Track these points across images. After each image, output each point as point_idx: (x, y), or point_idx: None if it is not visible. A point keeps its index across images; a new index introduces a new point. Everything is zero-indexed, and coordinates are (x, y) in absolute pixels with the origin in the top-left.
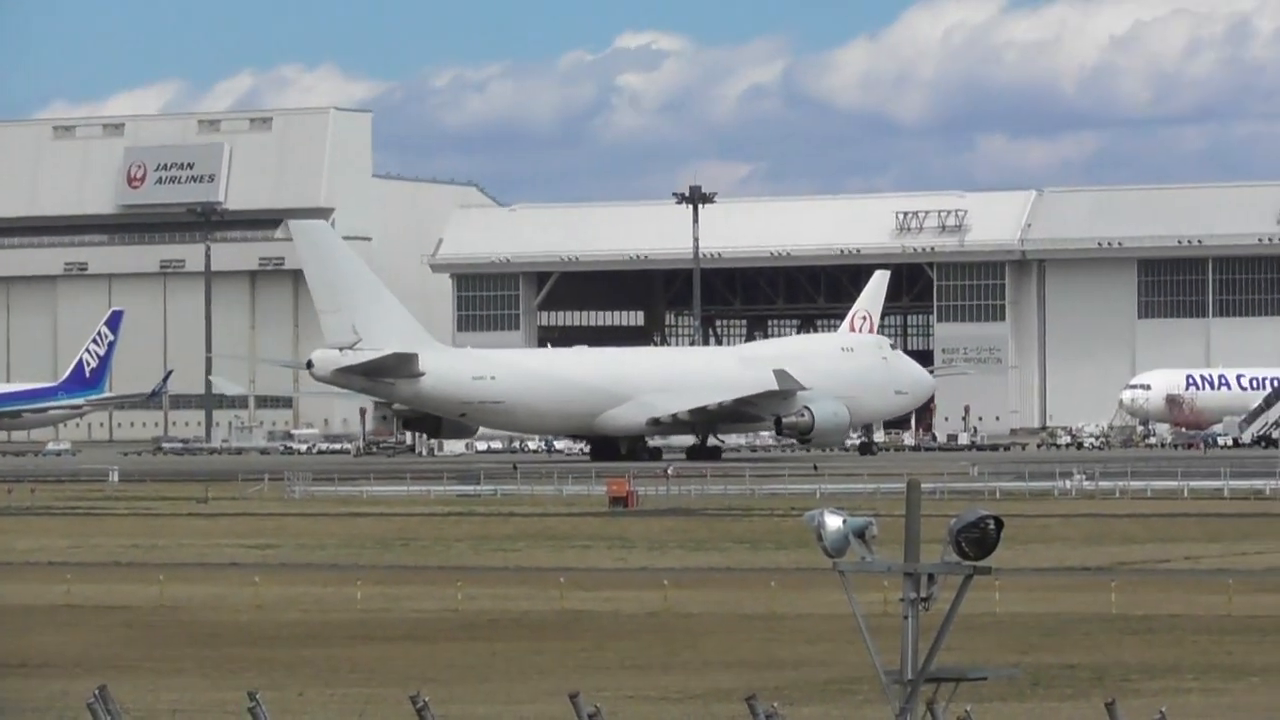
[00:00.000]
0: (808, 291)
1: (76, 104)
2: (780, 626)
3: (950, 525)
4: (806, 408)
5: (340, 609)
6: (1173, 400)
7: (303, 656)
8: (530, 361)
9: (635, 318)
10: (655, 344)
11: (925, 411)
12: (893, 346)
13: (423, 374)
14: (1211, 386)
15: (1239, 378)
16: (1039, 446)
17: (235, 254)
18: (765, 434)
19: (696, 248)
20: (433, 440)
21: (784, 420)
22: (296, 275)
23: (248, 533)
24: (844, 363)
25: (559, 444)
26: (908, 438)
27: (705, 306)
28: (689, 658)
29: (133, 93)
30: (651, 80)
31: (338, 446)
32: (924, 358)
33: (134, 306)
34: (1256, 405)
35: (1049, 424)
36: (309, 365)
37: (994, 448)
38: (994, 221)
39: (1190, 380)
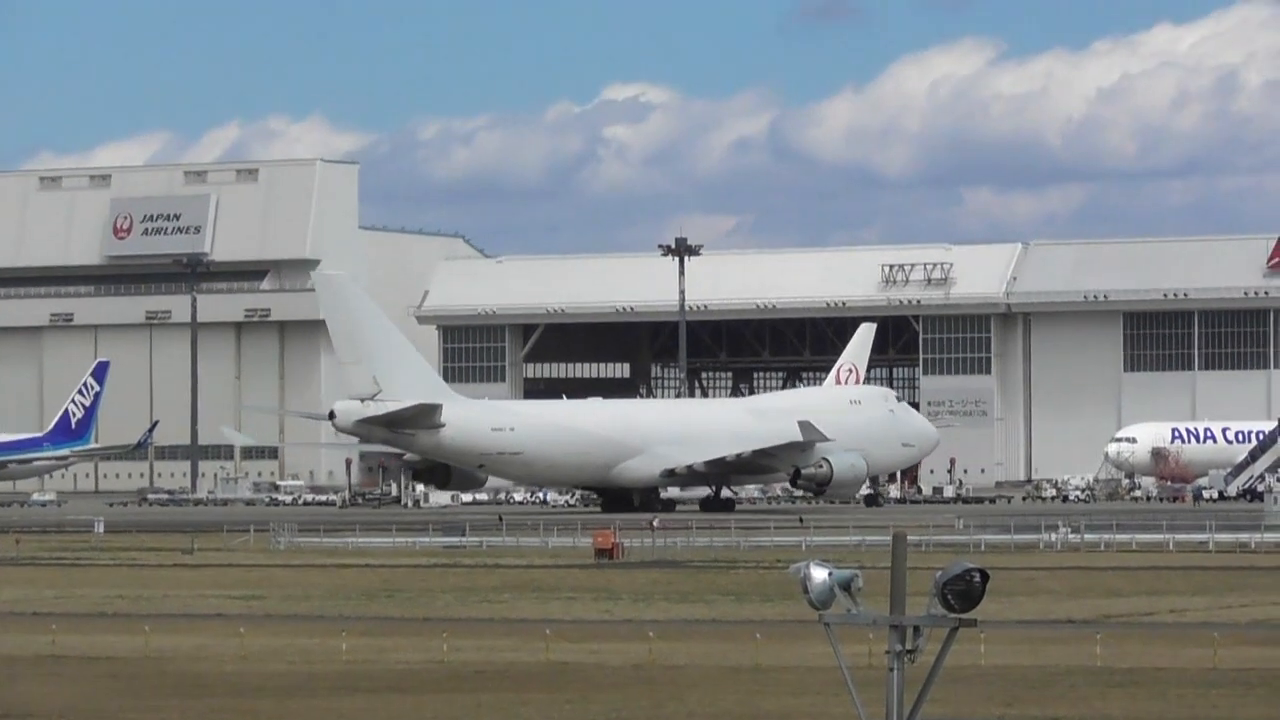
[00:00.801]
0: (793, 344)
1: (63, 155)
2: (765, 679)
3: (936, 578)
4: (825, 459)
5: (325, 660)
6: (1158, 453)
7: (288, 708)
8: (548, 413)
9: (621, 370)
10: (641, 396)
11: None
12: (899, 399)
13: (443, 425)
14: (1197, 440)
15: (1225, 431)
16: (1024, 499)
17: (221, 305)
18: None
19: (682, 300)
20: (418, 492)
21: (803, 472)
22: (282, 326)
23: (233, 584)
24: (852, 415)
25: (546, 496)
26: (894, 490)
27: (691, 359)
28: (674, 710)
29: (120, 143)
30: (638, 132)
31: (323, 498)
32: None
33: (120, 357)
34: (1242, 458)
35: (1034, 477)
36: (331, 416)
37: (979, 500)
38: (980, 274)
39: (1176, 433)
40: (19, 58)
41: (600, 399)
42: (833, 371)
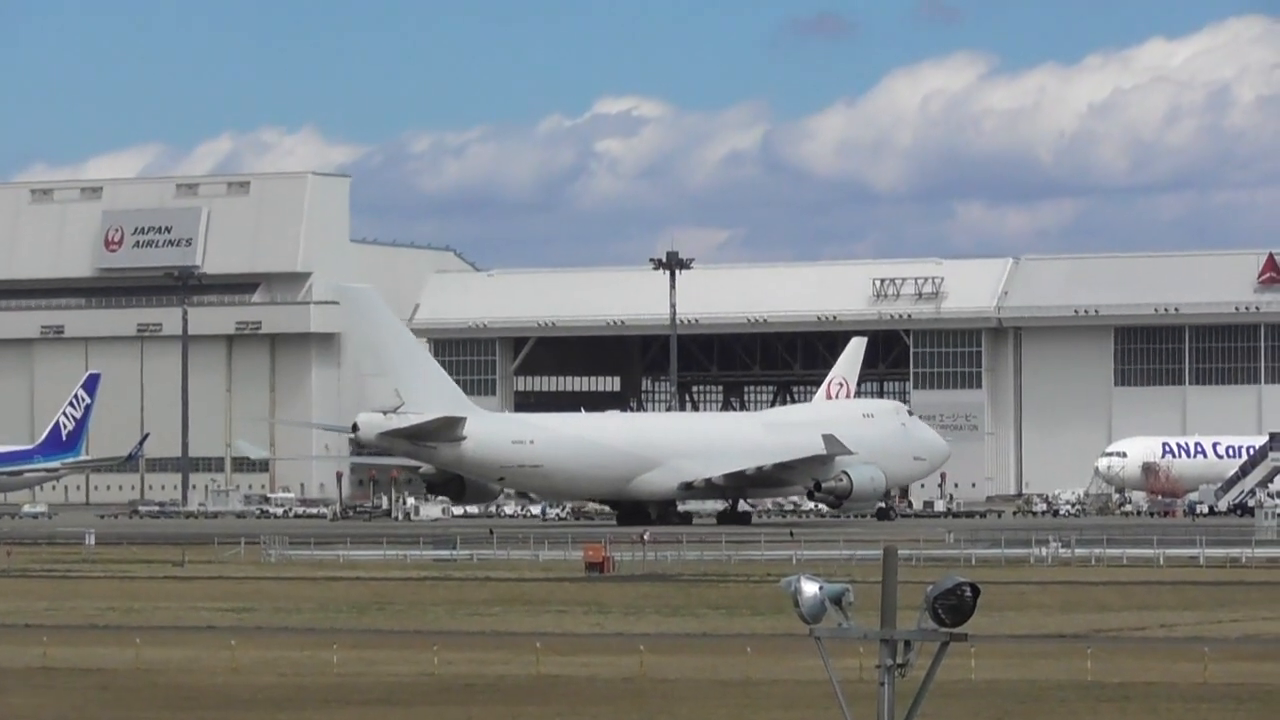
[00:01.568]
0: (784, 358)
1: (55, 167)
2: (756, 692)
3: (927, 592)
4: (845, 472)
5: (316, 673)
6: (1149, 468)
7: None
8: (568, 426)
9: (612, 383)
10: (631, 410)
11: None
12: (910, 413)
13: (464, 438)
14: (1188, 454)
15: (1215, 446)
16: (1015, 514)
17: (212, 318)
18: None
19: (674, 313)
20: (409, 504)
21: (823, 485)
22: (273, 339)
23: (224, 596)
24: (866, 429)
25: (534, 509)
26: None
27: (682, 372)
28: None
29: (112, 156)
30: (630, 146)
31: (314, 510)
32: None
33: (111, 370)
34: (1233, 473)
35: (1025, 491)
36: (354, 429)
37: (970, 515)
38: (970, 289)
39: (1166, 448)
40: (11, 69)
41: (618, 412)
42: (823, 386)
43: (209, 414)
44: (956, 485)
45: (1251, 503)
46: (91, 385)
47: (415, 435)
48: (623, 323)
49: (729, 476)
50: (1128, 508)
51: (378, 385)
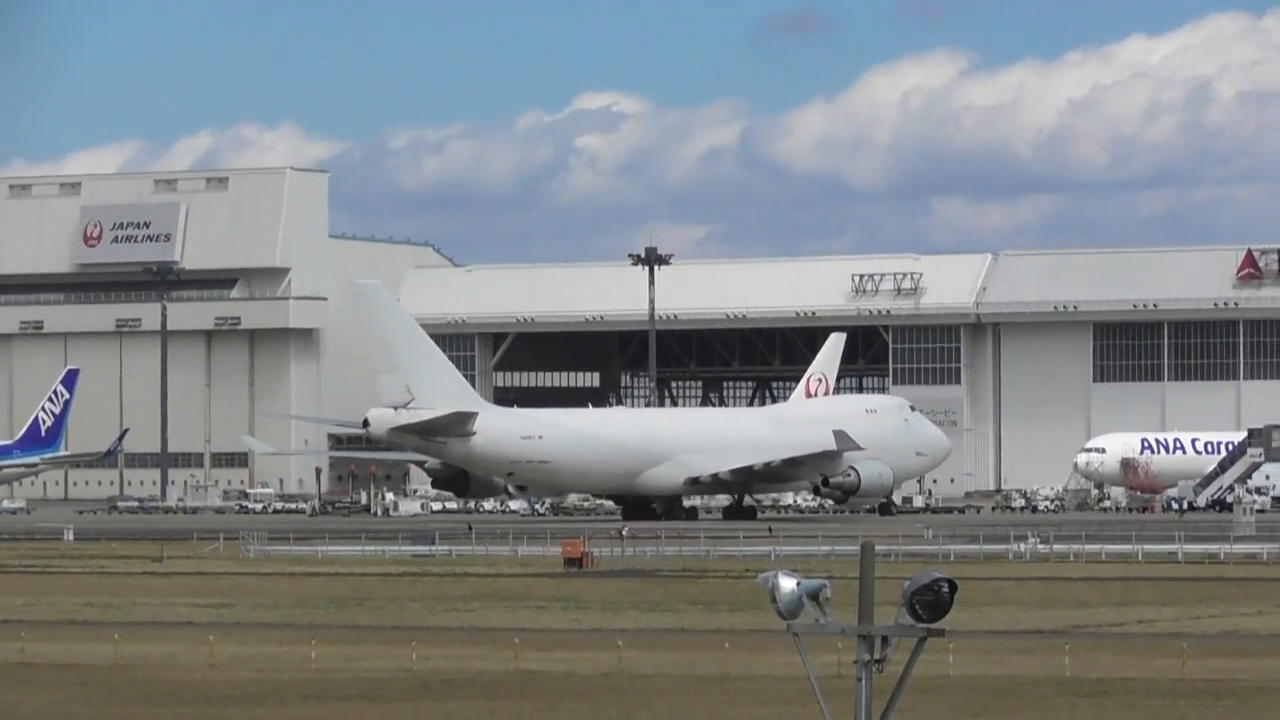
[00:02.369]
0: (763, 353)
1: (34, 163)
2: (734, 688)
3: (904, 588)
4: (852, 468)
5: (295, 668)
6: (1128, 464)
7: (257, 716)
8: (575, 421)
9: (591, 379)
10: (610, 405)
11: None
12: (912, 408)
13: (474, 433)
14: (1166, 450)
15: (1194, 441)
16: (993, 509)
17: (191, 313)
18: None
19: (652, 309)
20: (388, 500)
21: (831, 480)
22: (252, 334)
23: (203, 592)
24: (869, 425)
25: (514, 505)
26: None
27: (661, 368)
28: (643, 719)
29: (91, 151)
30: (609, 142)
31: (293, 506)
32: None
33: (90, 365)
34: (1211, 469)
35: (1004, 487)
36: (365, 424)
37: (948, 510)
38: (949, 284)
39: (1145, 444)
40: None
41: (624, 407)
42: (802, 381)
43: (188, 409)
44: (935, 481)
45: (1230, 499)
46: (70, 380)
47: (427, 430)
48: (602, 318)
49: (736, 472)
50: (1106, 504)
51: (389, 381)
